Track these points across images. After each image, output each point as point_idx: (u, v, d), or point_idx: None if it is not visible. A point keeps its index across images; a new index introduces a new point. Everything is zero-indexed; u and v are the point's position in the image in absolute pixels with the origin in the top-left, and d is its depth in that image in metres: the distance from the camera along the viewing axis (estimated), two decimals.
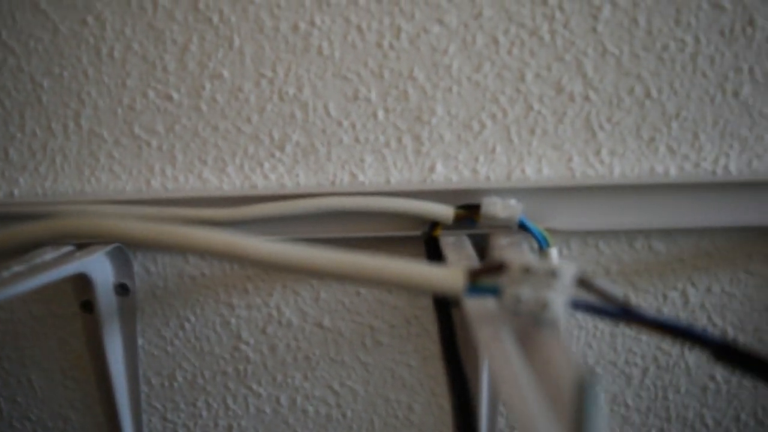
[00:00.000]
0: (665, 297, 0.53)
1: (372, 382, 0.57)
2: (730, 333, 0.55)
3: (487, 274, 0.32)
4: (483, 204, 0.48)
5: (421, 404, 0.56)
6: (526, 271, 0.31)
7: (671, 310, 0.54)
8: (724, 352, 0.31)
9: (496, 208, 0.48)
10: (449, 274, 0.32)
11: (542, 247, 0.49)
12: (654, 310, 0.54)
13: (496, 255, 0.46)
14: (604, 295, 0.32)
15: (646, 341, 0.54)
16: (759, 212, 0.51)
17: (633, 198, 0.51)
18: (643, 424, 0.57)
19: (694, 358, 0.55)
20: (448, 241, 0.48)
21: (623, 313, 0.32)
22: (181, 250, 0.33)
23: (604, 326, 0.54)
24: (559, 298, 0.30)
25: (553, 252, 0.50)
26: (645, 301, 0.54)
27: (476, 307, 0.34)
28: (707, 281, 0.53)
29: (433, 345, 0.55)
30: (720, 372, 0.55)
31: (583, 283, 0.32)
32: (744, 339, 0.55)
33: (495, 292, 0.31)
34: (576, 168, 0.51)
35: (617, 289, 0.32)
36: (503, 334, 0.31)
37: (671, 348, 0.55)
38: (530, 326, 0.31)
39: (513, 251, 0.46)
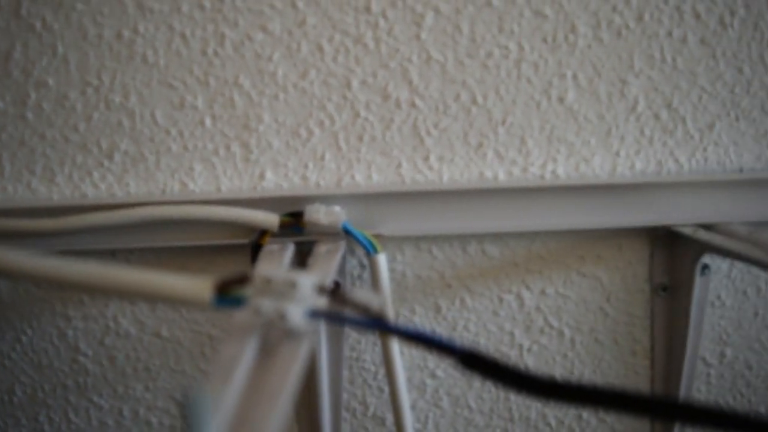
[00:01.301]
0: (501, 300, 0.55)
1: None
2: (567, 334, 0.56)
3: (234, 285, 0.32)
4: (306, 211, 0.49)
5: None
6: (268, 282, 0.32)
7: (507, 312, 0.55)
8: (469, 360, 0.32)
9: (319, 214, 0.49)
10: (196, 286, 0.32)
11: (370, 253, 0.50)
12: (490, 313, 0.55)
13: (313, 263, 0.47)
14: (356, 306, 0.33)
15: (485, 344, 0.56)
16: (588, 215, 0.53)
17: (463, 203, 0.52)
18: (487, 426, 0.58)
19: (533, 359, 0.57)
20: (269, 249, 0.49)
21: (373, 324, 0.33)
22: None
23: (441, 330, 0.55)
24: (296, 308, 0.31)
25: (381, 258, 0.51)
26: (481, 305, 0.55)
27: (241, 317, 0.35)
28: (541, 284, 0.55)
29: None
30: (559, 371, 0.57)
31: (332, 292, 0.33)
32: (581, 339, 0.57)
33: (240, 303, 0.32)
34: (405, 174, 0.52)
35: (376, 299, 0.33)
36: (245, 346, 0.31)
37: (510, 350, 0.56)
38: (280, 336, 0.32)
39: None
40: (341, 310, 0.32)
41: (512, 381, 0.32)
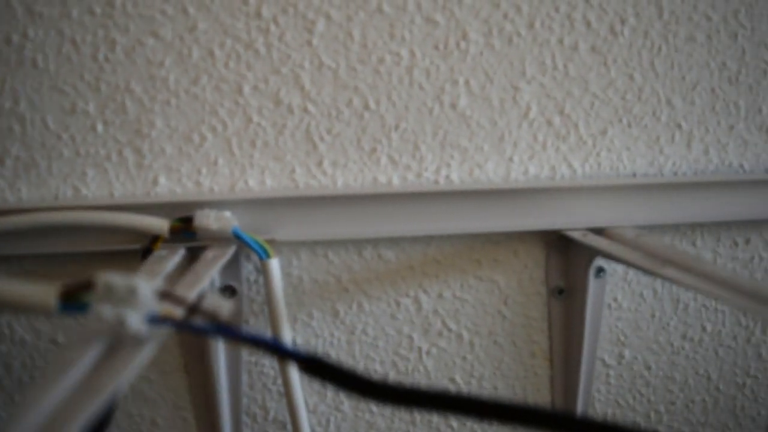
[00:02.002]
0: (398, 304, 0.56)
1: None
2: (465, 336, 0.57)
3: (78, 291, 0.33)
4: (196, 216, 0.50)
5: (164, 417, 0.57)
6: (110, 288, 0.32)
7: (405, 316, 0.56)
8: (311, 365, 0.33)
9: (208, 220, 0.50)
10: (41, 292, 0.33)
11: (262, 258, 0.51)
12: (388, 317, 0.56)
13: (197, 269, 0.47)
14: (203, 312, 0.33)
15: (383, 347, 0.57)
16: (483, 219, 0.54)
17: (358, 208, 0.53)
18: (389, 428, 0.59)
19: (432, 362, 0.58)
20: (158, 255, 0.49)
21: (217, 330, 0.33)
22: None
23: (340, 334, 0.56)
24: (135, 314, 0.32)
25: (274, 263, 0.52)
26: (378, 309, 0.56)
27: (88, 323, 0.35)
28: (438, 287, 0.56)
29: (172, 359, 0.56)
30: (459, 374, 0.58)
31: (176, 298, 0.33)
32: (480, 342, 0.58)
33: (83, 309, 0.33)
34: (299, 179, 0.53)
35: (226, 305, 0.33)
36: (85, 350, 0.32)
37: (408, 353, 0.57)
38: (127, 341, 0.33)
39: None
40: (186, 317, 0.33)
41: (355, 387, 0.33)
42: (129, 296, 0.32)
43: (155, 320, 0.32)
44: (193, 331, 0.33)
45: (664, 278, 0.42)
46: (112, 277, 0.32)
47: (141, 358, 0.32)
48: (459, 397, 0.31)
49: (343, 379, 0.32)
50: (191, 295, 0.40)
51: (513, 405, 0.31)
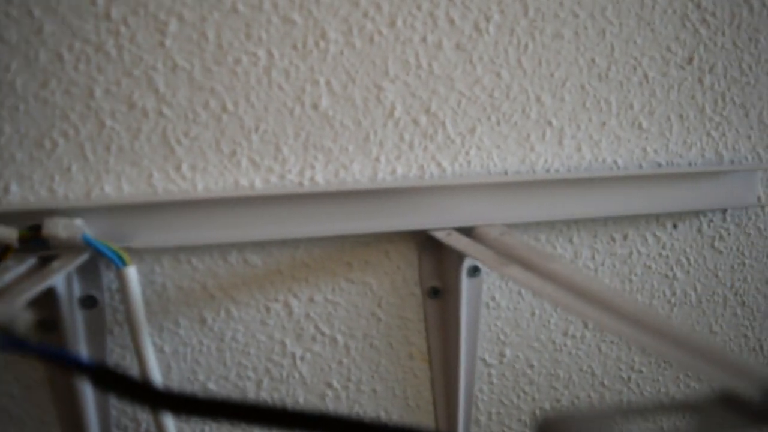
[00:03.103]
0: (268, 309, 0.55)
1: None
2: (340, 340, 0.57)
3: None
4: (45, 225, 0.48)
5: None
6: None
7: (276, 321, 0.55)
8: (101, 377, 0.32)
9: (57, 228, 0.48)
10: None
11: (118, 266, 0.50)
12: (258, 323, 0.55)
13: (41, 277, 0.46)
14: None
15: (255, 354, 0.56)
16: (350, 221, 0.53)
17: (220, 212, 0.52)
18: None
19: (307, 367, 0.57)
20: (3, 266, 0.48)
21: (4, 342, 0.32)
22: None
23: (209, 342, 0.55)
24: None
25: (131, 271, 0.51)
26: (248, 314, 0.55)
27: None
28: (309, 291, 0.56)
29: (35, 372, 0.54)
30: (336, 378, 0.58)
31: None
32: (355, 345, 0.57)
33: None
34: (158, 184, 0.52)
35: (23, 316, 0.32)
36: None
37: (282, 359, 0.56)
38: None
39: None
40: None
41: (146, 397, 0.32)
42: None
43: None
44: None
45: (506, 276, 0.42)
46: None
47: None
48: (253, 406, 0.31)
49: (134, 390, 0.32)
50: None
51: (307, 413, 0.31)
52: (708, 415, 0.26)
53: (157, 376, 0.52)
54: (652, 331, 0.34)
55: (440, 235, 0.53)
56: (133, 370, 0.54)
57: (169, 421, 0.53)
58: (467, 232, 0.54)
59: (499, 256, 0.46)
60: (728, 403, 0.26)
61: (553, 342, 0.62)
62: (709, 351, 0.30)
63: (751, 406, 0.26)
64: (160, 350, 0.54)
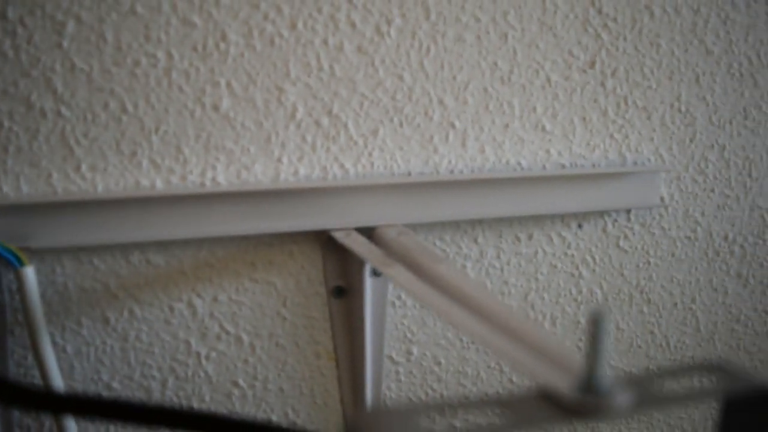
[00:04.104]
0: (172, 309, 0.56)
1: None
2: (246, 339, 0.58)
3: None
4: None
5: None
6: None
7: (180, 321, 0.56)
8: None
9: None
10: None
11: (15, 266, 0.50)
12: (163, 323, 0.56)
13: None
14: None
15: (160, 353, 0.56)
16: (253, 221, 0.54)
17: (121, 212, 0.53)
18: None
19: (213, 366, 0.58)
20: None
21: None
22: None
23: (112, 341, 0.56)
24: None
25: (28, 271, 0.51)
26: (151, 314, 0.56)
27: None
28: (213, 291, 0.56)
29: None
30: (242, 377, 0.58)
31: None
32: (261, 344, 0.58)
33: None
34: (57, 185, 0.52)
35: None
36: None
37: (187, 358, 0.57)
38: None
39: None
40: None
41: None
42: None
43: None
44: None
45: (386, 275, 0.43)
46: None
47: None
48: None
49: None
50: None
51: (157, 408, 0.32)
52: (524, 410, 0.27)
53: (57, 376, 0.52)
54: (512, 335, 0.35)
55: (339, 236, 0.54)
56: (34, 371, 0.55)
57: (71, 423, 0.53)
58: (369, 232, 0.56)
59: (386, 257, 0.48)
60: (545, 398, 0.28)
61: (460, 339, 0.63)
62: (541, 345, 0.31)
63: (566, 400, 0.27)
64: (62, 350, 0.55)
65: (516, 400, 0.27)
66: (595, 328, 0.26)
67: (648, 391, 0.29)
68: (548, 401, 0.27)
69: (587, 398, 0.27)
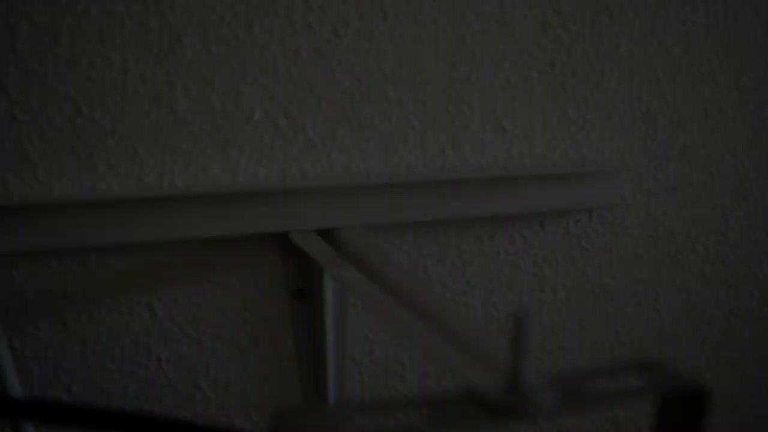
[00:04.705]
0: (131, 312, 0.56)
1: None
2: (207, 342, 0.58)
3: None
4: None
5: None
6: None
7: (140, 324, 0.56)
8: None
9: None
10: None
11: None
12: (122, 326, 0.56)
13: None
14: None
15: (119, 356, 0.56)
16: (211, 224, 0.54)
17: (78, 215, 0.52)
18: None
19: (173, 369, 0.58)
20: None
21: None
22: None
23: (71, 345, 0.55)
24: None
25: None
26: (110, 318, 0.56)
27: None
28: (172, 294, 0.56)
29: None
30: (203, 380, 0.58)
31: None
32: (221, 346, 0.58)
33: None
34: (12, 188, 0.52)
35: None
36: None
37: (147, 361, 0.57)
38: None
39: None
40: None
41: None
42: None
43: None
44: None
45: (332, 277, 0.43)
46: None
47: None
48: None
49: None
50: None
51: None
52: (449, 410, 0.27)
53: (14, 380, 0.52)
54: (449, 335, 0.35)
55: (296, 237, 0.54)
56: None
57: (29, 429, 0.53)
58: (328, 234, 0.56)
59: (339, 258, 0.48)
60: (470, 397, 0.28)
61: None
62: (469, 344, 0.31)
63: (489, 400, 0.27)
64: (20, 354, 0.55)
65: (441, 399, 0.28)
66: (519, 326, 0.27)
67: (577, 390, 0.29)
68: (472, 401, 0.28)
69: (510, 398, 0.27)
